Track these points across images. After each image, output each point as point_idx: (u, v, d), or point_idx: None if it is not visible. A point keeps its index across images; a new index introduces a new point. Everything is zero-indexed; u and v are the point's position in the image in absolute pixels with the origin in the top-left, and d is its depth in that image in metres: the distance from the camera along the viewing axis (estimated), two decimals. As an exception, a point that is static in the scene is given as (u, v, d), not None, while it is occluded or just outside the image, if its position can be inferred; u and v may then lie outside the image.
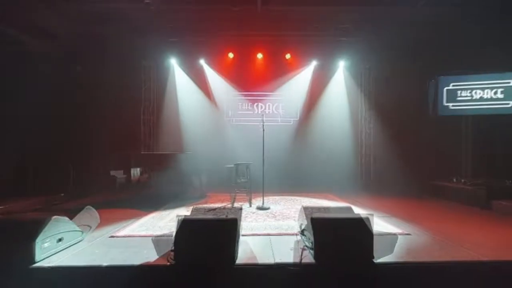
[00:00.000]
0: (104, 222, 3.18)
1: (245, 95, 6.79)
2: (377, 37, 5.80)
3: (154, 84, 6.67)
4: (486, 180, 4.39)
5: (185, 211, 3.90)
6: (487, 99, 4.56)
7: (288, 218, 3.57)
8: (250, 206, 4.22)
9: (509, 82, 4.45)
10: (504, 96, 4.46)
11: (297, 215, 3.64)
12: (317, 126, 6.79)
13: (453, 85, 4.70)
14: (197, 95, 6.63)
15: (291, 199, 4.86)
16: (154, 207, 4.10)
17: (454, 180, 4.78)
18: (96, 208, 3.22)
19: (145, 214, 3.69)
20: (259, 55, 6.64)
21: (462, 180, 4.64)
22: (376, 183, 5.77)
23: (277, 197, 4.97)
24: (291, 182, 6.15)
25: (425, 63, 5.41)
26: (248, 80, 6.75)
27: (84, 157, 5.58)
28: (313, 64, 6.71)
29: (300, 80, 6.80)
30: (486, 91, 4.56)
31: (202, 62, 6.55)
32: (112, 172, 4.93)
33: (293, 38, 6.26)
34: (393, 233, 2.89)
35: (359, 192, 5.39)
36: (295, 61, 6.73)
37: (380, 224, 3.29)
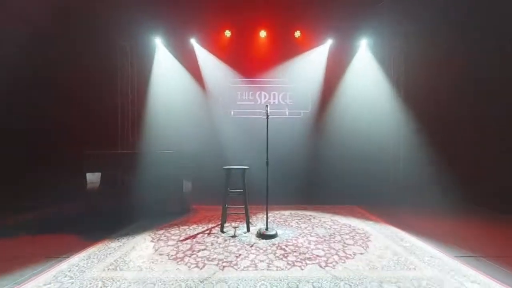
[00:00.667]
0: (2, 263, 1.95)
1: (246, 82, 5.53)
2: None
3: (135, 68, 5.47)
4: None
5: (147, 242, 2.65)
6: None
7: (310, 259, 2.27)
8: (248, 230, 2.94)
9: None
10: None
11: (323, 250, 2.37)
12: (335, 120, 5.46)
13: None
14: (187, 81, 5.42)
15: (306, 215, 3.57)
16: (108, 230, 2.89)
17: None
18: (25, 230, 2.01)
19: (84, 247, 2.45)
20: (262, 33, 5.37)
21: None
22: (421, 194, 4.42)
23: (286, 213, 3.68)
24: (303, 190, 4.86)
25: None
26: (249, 64, 5.49)
27: (41, 159, 4.39)
28: (329, 43, 5.41)
29: (313, 64, 5.50)
30: None
31: (193, 41, 5.31)
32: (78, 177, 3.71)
33: (301, 9, 5.00)
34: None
35: (393, 204, 4.07)
36: (306, 39, 5.44)
37: (468, 276, 1.96)
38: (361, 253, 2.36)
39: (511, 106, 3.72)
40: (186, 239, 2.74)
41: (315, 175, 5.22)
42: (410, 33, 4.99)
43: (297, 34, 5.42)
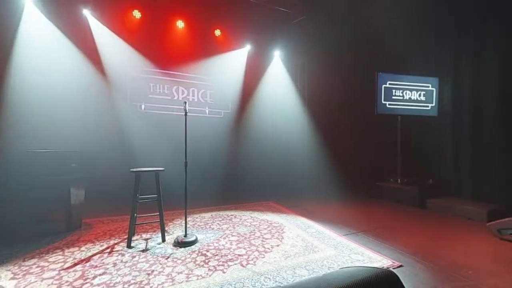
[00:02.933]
0: None
1: (160, 74, 4.92)
2: (317, 26, 5.33)
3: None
4: (416, 179, 4.44)
5: (4, 281, 1.87)
6: (413, 100, 4.69)
7: (231, 260, 2.19)
8: (163, 240, 2.56)
9: (428, 86, 4.72)
10: (426, 98, 4.71)
11: (244, 249, 2.35)
12: (253, 121, 5.72)
13: (389, 83, 4.62)
14: (77, 62, 4.22)
15: (228, 215, 3.49)
16: None
17: (391, 180, 4.70)
18: None
19: None
20: (180, 23, 4.96)
21: (398, 180, 4.58)
22: (320, 186, 5.20)
23: (207, 215, 3.48)
24: (225, 190, 4.79)
25: (369, 60, 5.25)
26: (164, 55, 4.93)
27: None
28: (247, 48, 5.62)
29: (233, 65, 5.56)
30: (413, 92, 4.70)
31: (86, 13, 4.23)
32: None
33: (222, 8, 4.98)
34: (384, 268, 2.03)
35: (305, 198, 4.62)
36: (226, 40, 5.44)
37: (353, 249, 2.42)
38: (278, 245, 2.51)
39: (372, 118, 4.96)
40: (75, 265, 2.08)
41: (236, 174, 5.27)
42: (311, 54, 5.86)
43: (217, 32, 5.33)
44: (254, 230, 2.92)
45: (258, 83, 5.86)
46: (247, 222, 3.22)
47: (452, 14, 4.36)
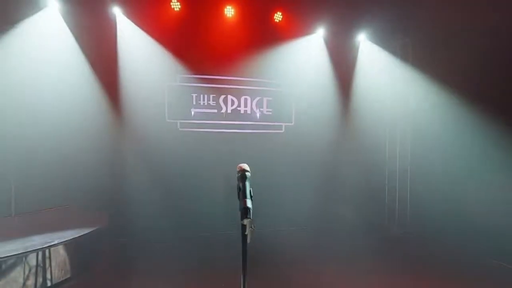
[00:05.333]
0: None
1: (203, 81, 3.78)
2: None
3: None
4: None
5: None
6: None
7: None
8: None
9: None
10: None
11: None
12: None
13: None
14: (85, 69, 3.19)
15: None
16: None
17: None
18: None
19: None
20: (229, 11, 3.69)
21: None
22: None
23: None
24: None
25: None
26: (209, 53, 3.75)
27: None
28: (320, 35, 3.97)
29: (300, 59, 4.01)
30: None
31: (116, 10, 3.34)
32: None
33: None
34: None
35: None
36: (290, 26, 3.92)
37: None
38: None
39: None
40: None
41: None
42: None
43: (278, 16, 3.86)
44: None
45: (348, 79, 4.14)
46: None
47: None
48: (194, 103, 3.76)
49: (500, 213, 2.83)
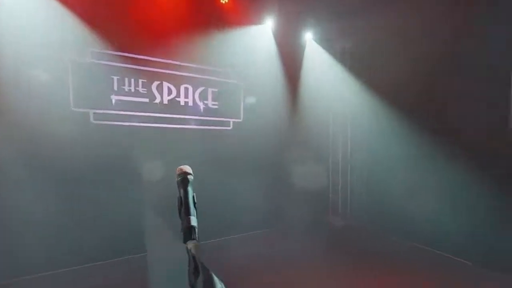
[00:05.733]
0: None
1: (129, 60, 2.92)
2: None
3: None
4: None
5: None
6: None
7: None
8: None
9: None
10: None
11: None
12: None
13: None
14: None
15: None
16: None
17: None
18: None
19: None
20: (165, -22, 2.99)
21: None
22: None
23: None
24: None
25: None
26: (139, 28, 2.93)
27: None
28: (269, 24, 3.71)
29: (249, 48, 3.63)
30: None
31: None
32: None
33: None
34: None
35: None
36: (238, 11, 3.50)
37: None
38: None
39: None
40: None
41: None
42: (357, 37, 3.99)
43: (224, -3, 3.39)
44: None
45: (296, 76, 3.98)
46: None
47: None
48: (116, 88, 2.85)
49: (421, 198, 3.18)
